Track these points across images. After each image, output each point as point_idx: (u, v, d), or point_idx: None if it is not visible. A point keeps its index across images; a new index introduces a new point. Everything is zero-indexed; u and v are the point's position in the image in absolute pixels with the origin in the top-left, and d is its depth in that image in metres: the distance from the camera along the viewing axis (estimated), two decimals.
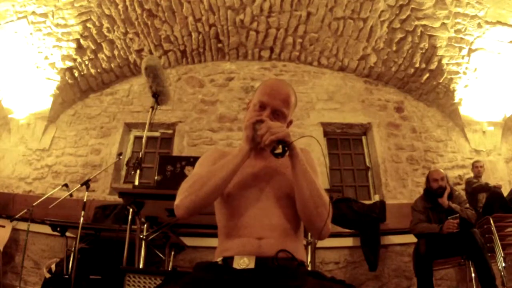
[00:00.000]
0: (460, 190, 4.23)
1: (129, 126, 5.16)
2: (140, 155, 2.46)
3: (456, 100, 4.81)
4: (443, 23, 4.37)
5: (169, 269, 2.87)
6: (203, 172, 1.03)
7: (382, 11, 4.47)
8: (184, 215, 0.96)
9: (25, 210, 3.31)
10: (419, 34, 4.51)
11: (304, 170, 0.97)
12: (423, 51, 4.66)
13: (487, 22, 4.31)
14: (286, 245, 0.94)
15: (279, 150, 0.95)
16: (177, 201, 0.97)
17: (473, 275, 3.00)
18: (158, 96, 2.62)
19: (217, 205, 1.08)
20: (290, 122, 1.16)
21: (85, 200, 2.98)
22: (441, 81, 4.77)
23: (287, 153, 0.96)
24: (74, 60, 4.79)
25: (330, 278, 0.90)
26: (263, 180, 1.05)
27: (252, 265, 0.89)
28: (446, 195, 3.14)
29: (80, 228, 2.74)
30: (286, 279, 0.83)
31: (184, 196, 0.96)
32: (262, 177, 1.06)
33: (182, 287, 0.80)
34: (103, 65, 5.08)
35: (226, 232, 1.02)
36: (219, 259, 0.96)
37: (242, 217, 0.99)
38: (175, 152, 4.81)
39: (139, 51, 5.11)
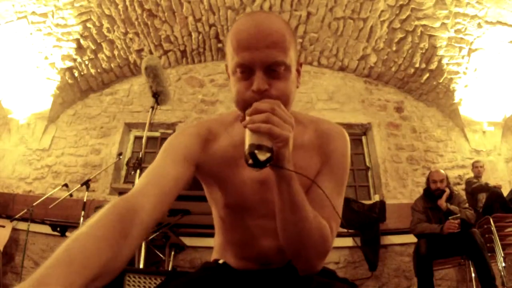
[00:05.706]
0: (460, 190, 4.23)
1: (129, 126, 5.16)
2: (140, 155, 2.46)
3: (456, 100, 4.81)
4: (443, 23, 4.36)
5: (169, 269, 2.87)
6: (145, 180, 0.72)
7: (382, 11, 4.46)
8: None
9: (25, 210, 3.32)
10: (419, 34, 4.51)
11: (297, 203, 0.69)
12: (423, 51, 4.66)
13: (487, 22, 4.30)
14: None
15: (257, 158, 0.58)
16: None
17: (473, 275, 3.01)
18: (158, 96, 2.61)
19: (212, 206, 0.93)
20: (300, 66, 0.80)
21: (85, 200, 2.99)
22: (441, 81, 4.77)
23: (267, 166, 0.61)
24: (74, 60, 4.79)
25: (332, 274, 0.86)
26: (271, 189, 0.74)
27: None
28: (444, 197, 3.14)
29: None
30: (293, 281, 0.79)
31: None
32: (269, 185, 0.76)
33: (182, 287, 0.79)
34: (103, 65, 5.08)
35: (223, 240, 0.91)
36: (220, 261, 0.89)
37: (240, 234, 0.85)
38: None
39: (139, 51, 5.11)
